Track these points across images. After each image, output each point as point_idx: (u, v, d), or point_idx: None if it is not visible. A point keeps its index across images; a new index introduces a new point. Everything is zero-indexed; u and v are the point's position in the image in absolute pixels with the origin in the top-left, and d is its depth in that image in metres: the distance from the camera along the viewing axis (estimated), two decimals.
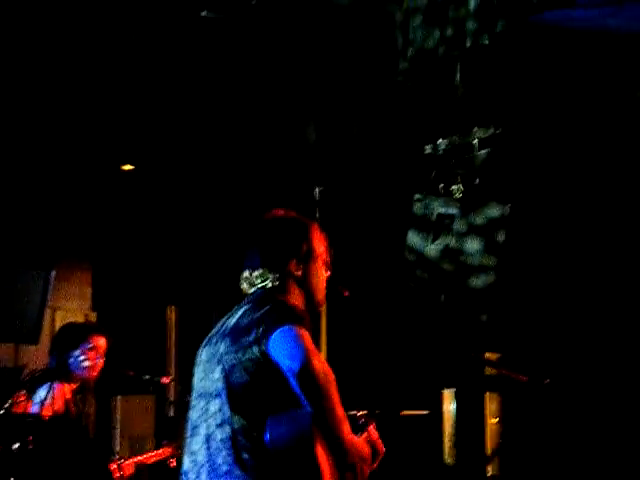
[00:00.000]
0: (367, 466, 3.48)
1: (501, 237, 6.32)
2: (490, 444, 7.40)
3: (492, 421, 7.38)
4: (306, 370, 3.24)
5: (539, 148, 6.87)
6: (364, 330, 7.63)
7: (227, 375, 3.38)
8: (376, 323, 7.46)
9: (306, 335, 3.31)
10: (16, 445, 4.81)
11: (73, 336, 5.65)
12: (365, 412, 3.83)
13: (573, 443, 6.81)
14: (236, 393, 3.35)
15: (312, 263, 3.63)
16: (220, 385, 3.39)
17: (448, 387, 7.61)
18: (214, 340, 3.54)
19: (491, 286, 6.34)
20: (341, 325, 7.49)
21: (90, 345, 5.60)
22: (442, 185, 6.72)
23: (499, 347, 6.89)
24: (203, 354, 3.57)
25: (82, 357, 5.55)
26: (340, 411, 3.31)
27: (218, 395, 3.39)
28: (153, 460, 5.79)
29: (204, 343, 3.62)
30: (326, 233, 3.77)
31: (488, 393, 7.42)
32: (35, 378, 5.32)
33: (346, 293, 3.94)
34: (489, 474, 7.33)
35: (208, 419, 3.40)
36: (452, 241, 6.48)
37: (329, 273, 3.74)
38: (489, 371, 7.24)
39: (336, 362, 3.56)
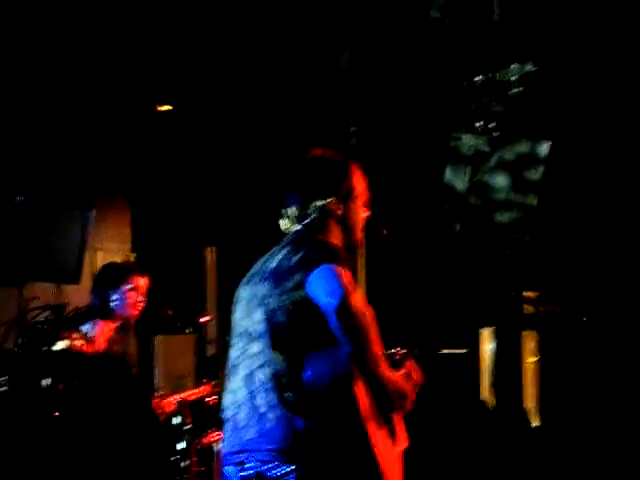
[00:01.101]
0: (406, 402, 3.49)
1: (535, 175, 6.29)
2: (528, 382, 7.43)
3: (530, 359, 7.39)
4: (344, 307, 3.25)
5: (577, 86, 6.81)
6: (403, 269, 7.64)
7: (269, 318, 3.38)
8: (415, 262, 7.47)
9: (346, 273, 3.32)
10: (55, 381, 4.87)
11: (115, 276, 5.69)
12: (404, 351, 3.85)
13: (612, 380, 6.81)
14: (279, 335, 3.35)
15: (352, 202, 3.62)
16: (262, 327, 3.40)
17: (486, 325, 7.62)
18: (255, 280, 3.54)
19: (516, 222, 6.34)
20: (380, 264, 7.50)
21: (132, 285, 5.63)
22: (479, 123, 6.68)
23: (538, 285, 6.88)
24: (244, 292, 3.58)
25: (124, 296, 5.59)
26: (377, 348, 3.32)
27: (260, 337, 3.40)
28: (193, 398, 5.85)
29: (244, 281, 3.62)
30: (364, 172, 3.76)
31: (526, 331, 7.42)
32: (78, 315, 5.38)
33: (384, 232, 3.94)
34: (528, 414, 7.36)
35: (248, 359, 3.42)
36: (483, 177, 6.47)
37: (368, 213, 3.75)
38: (527, 309, 7.24)
39: (375, 301, 3.56)
